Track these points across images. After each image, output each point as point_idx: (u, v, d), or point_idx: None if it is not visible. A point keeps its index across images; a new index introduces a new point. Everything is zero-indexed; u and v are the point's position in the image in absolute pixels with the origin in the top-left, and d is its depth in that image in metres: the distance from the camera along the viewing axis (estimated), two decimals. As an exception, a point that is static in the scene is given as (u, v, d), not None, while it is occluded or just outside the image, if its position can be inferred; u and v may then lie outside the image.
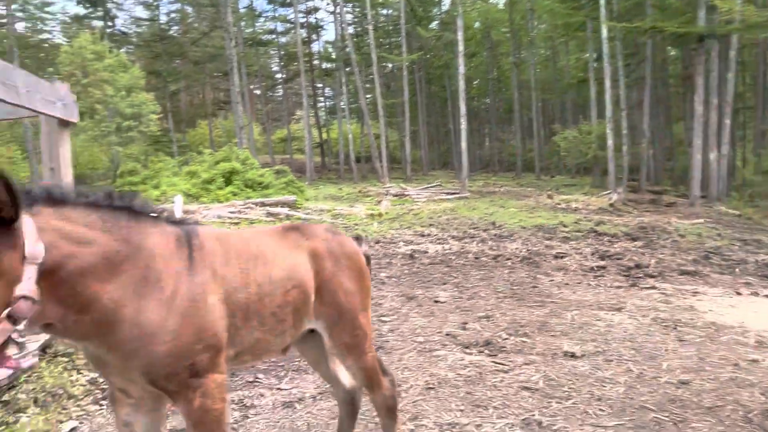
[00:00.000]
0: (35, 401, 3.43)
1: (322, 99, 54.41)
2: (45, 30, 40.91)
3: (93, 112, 22.89)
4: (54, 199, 1.56)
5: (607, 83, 23.09)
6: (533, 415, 3.49)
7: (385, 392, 2.57)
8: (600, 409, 3.55)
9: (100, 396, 3.84)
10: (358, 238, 2.80)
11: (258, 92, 53.00)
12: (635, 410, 3.53)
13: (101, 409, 3.68)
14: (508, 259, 9.28)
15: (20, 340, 1.37)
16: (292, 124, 52.17)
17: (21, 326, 1.36)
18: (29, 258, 1.39)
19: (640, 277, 7.66)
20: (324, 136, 49.57)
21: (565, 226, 13.34)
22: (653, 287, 7.06)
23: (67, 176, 4.40)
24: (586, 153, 26.40)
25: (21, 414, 3.25)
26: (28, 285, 1.37)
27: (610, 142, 22.96)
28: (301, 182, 23.73)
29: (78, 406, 3.65)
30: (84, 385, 3.88)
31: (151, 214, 1.81)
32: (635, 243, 10.62)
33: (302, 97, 35.57)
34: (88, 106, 22.02)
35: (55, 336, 1.54)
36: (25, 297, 1.36)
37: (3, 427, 3.02)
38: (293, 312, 2.19)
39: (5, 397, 3.24)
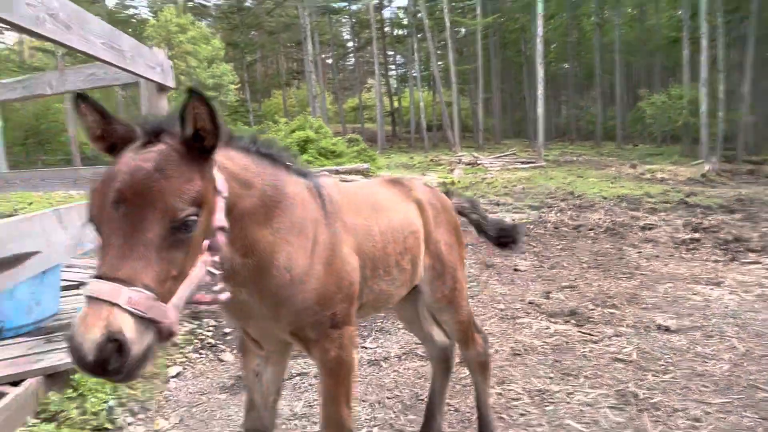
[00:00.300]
0: (144, 346, 3.72)
1: (393, 67, 53.87)
2: (132, 6, 43.15)
3: (178, 84, 24.01)
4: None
5: (704, 42, 21.18)
6: (628, 386, 3.34)
7: (478, 348, 2.56)
8: (703, 386, 3.34)
9: (199, 346, 4.11)
10: (447, 192, 2.77)
11: (330, 61, 53.37)
12: (743, 389, 3.29)
13: (201, 357, 3.94)
14: (591, 229, 8.88)
15: (216, 272, 1.35)
16: (363, 93, 52.25)
17: (217, 258, 1.35)
18: (220, 190, 1.37)
19: (740, 251, 7.08)
20: (395, 104, 49.34)
21: (651, 196, 12.57)
22: (757, 262, 6.50)
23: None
24: (676, 120, 24.58)
25: (133, 357, 3.54)
26: (221, 216, 1.36)
27: (703, 107, 21.22)
28: (373, 151, 23.85)
29: (181, 353, 3.92)
30: (185, 335, 4.16)
31: (287, 164, 1.79)
32: (732, 216, 9.82)
33: (373, 65, 35.47)
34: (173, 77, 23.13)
35: (218, 280, 1.45)
36: (222, 228, 1.35)
37: (120, 367, 3.31)
38: (412, 261, 2.18)
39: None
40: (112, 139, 1.35)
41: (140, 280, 1.14)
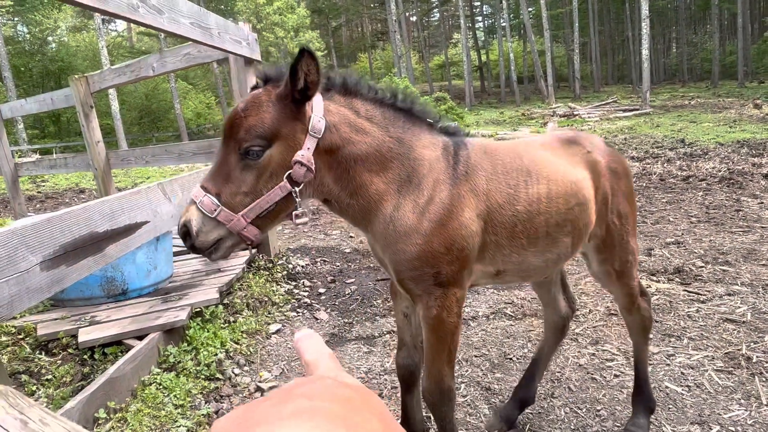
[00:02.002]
0: (248, 305, 4.03)
1: (479, 18, 51.59)
2: (223, -18, 44.75)
3: (268, 56, 24.83)
4: (348, 89, 1.74)
5: None
6: (739, 349, 3.09)
7: (643, 313, 2.41)
8: (831, 349, 3.00)
9: (296, 305, 4.38)
10: None
11: (414, 19, 52.23)
12: None
13: (298, 316, 4.20)
14: (703, 179, 8.11)
15: (297, 199, 1.61)
16: (449, 49, 50.73)
17: (297, 189, 1.60)
18: (311, 131, 1.60)
19: None
20: (483, 58, 47.47)
21: (778, 140, 11.17)
22: None
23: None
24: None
25: (238, 315, 3.85)
26: (304, 153, 1.59)
27: None
28: (461, 108, 23.31)
29: (280, 311, 4.20)
30: (283, 295, 4.45)
31: (428, 121, 1.85)
32: None
33: (459, 18, 34.14)
34: (262, 49, 23.97)
35: (333, 213, 1.82)
36: (300, 163, 1.58)
37: (227, 324, 3.63)
38: (573, 232, 2.00)
39: (226, 301, 3.86)
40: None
41: (214, 191, 1.55)
